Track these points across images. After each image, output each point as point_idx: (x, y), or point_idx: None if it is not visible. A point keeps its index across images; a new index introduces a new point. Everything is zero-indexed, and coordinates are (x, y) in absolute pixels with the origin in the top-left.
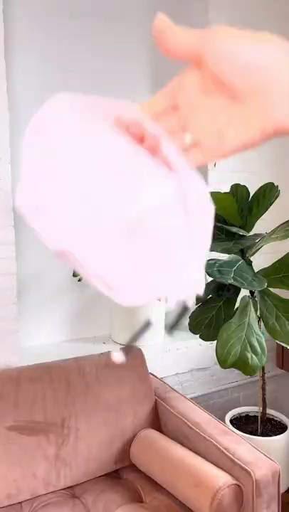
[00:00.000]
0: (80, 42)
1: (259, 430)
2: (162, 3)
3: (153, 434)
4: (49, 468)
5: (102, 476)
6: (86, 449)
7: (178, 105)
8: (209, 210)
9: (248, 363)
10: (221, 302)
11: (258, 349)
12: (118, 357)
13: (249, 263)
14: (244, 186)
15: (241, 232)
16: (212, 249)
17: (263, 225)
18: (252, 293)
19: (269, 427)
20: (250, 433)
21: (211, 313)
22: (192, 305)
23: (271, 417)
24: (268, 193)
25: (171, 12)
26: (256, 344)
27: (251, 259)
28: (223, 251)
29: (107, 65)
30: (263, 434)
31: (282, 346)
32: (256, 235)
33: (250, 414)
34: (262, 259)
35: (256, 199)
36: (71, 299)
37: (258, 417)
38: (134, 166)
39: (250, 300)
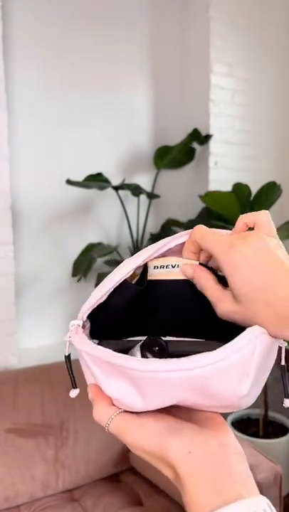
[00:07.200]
0: (80, 38)
1: (261, 433)
2: (164, 0)
3: None
4: (48, 471)
5: (101, 479)
6: (85, 451)
7: None
8: None
9: None
10: None
11: None
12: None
13: None
14: (246, 185)
15: None
16: None
17: None
18: None
19: (271, 430)
20: (252, 435)
21: None
22: None
23: (273, 419)
24: (269, 193)
25: (172, 9)
26: None
27: None
28: None
29: (107, 61)
30: (264, 437)
31: (285, 347)
32: None
33: (251, 417)
34: None
35: (258, 198)
36: (70, 300)
37: (259, 419)
38: None
39: None
